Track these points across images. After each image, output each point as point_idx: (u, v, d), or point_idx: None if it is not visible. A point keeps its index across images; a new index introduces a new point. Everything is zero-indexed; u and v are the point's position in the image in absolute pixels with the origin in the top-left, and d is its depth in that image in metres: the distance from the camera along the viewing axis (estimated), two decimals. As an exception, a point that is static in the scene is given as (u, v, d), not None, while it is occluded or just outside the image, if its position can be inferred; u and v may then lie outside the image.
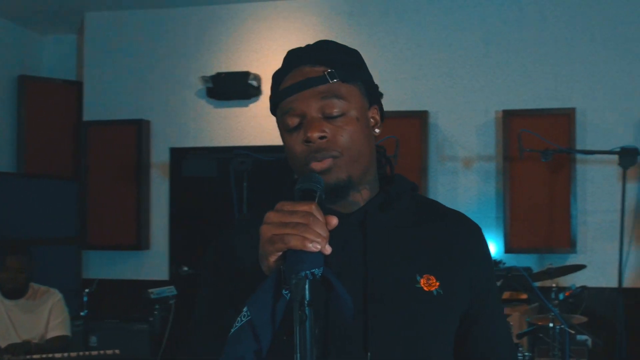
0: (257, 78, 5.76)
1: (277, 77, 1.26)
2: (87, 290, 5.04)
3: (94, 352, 3.19)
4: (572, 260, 5.13)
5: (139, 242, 5.90)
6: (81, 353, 3.21)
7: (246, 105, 5.85)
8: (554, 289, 4.41)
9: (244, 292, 1.02)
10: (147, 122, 5.96)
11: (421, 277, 1.18)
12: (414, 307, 1.16)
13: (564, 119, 5.31)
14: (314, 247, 0.93)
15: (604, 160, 5.27)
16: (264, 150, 4.84)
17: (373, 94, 1.26)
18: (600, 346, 4.55)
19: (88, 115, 6.04)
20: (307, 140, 1.15)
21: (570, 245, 5.26)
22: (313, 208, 0.97)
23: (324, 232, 0.96)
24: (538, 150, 4.54)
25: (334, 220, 0.99)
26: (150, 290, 4.29)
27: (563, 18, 5.50)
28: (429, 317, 1.17)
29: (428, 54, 5.59)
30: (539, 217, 5.21)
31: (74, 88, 6.21)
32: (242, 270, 1.11)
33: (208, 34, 5.97)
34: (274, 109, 1.25)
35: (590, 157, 5.28)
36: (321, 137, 1.14)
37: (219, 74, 5.77)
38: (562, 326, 3.76)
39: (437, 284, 1.18)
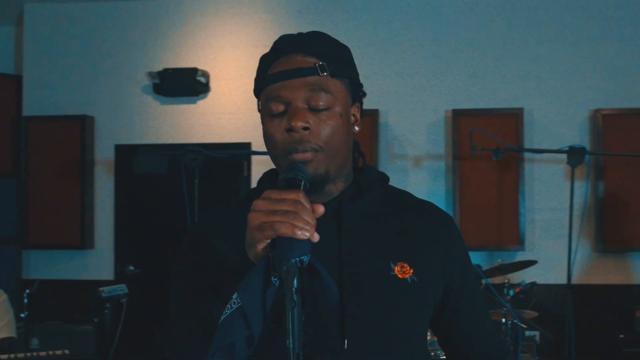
0: (205, 75, 5.72)
1: (266, 60, 1.25)
2: (27, 291, 5.00)
3: (42, 353, 3.08)
4: (521, 257, 5.22)
5: (83, 241, 5.80)
6: (29, 354, 3.09)
7: (194, 102, 5.81)
8: (506, 284, 4.54)
9: (221, 282, 1.04)
10: (92, 118, 5.85)
11: (395, 264, 1.20)
12: (389, 294, 1.18)
13: (512, 118, 5.40)
14: (303, 234, 0.95)
15: (551, 159, 5.41)
16: (213, 147, 4.79)
17: (357, 92, 1.28)
18: (551, 340, 4.68)
19: (28, 110, 5.92)
20: (290, 129, 1.15)
21: (519, 242, 5.36)
22: (301, 196, 0.98)
23: (312, 220, 0.97)
24: (489, 149, 4.59)
25: (321, 209, 1.01)
26: (101, 289, 4.30)
27: (512, 20, 5.59)
28: (404, 303, 1.19)
29: (378, 53, 5.63)
30: (488, 215, 5.30)
31: (13, 81, 6.06)
32: (218, 260, 1.13)
33: (154, 28, 5.90)
34: (257, 92, 1.26)
35: (537, 157, 5.39)
36: (304, 128, 1.15)
37: (166, 70, 5.71)
38: (515, 321, 3.84)
39: (411, 271, 1.20)
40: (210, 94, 5.81)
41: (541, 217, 5.51)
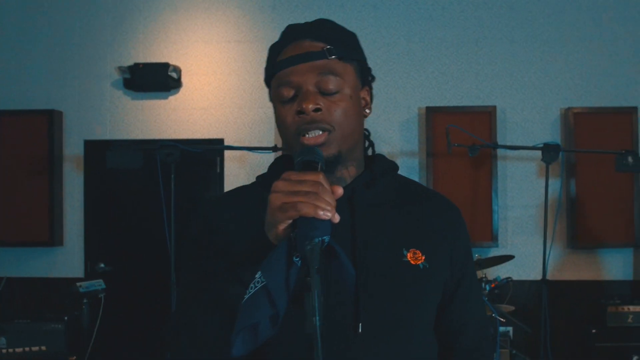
0: (176, 70, 5.72)
1: (275, 48, 1.28)
2: None
3: (19, 349, 3.17)
4: (494, 253, 5.31)
5: (52, 238, 5.77)
6: (4, 350, 3.20)
7: (166, 98, 5.81)
8: (483, 280, 4.65)
9: (237, 263, 1.06)
10: (60, 113, 5.82)
11: (407, 251, 1.24)
12: (402, 280, 1.21)
13: (485, 116, 5.49)
14: (325, 214, 0.96)
15: (524, 156, 5.51)
16: (185, 143, 4.84)
17: (366, 76, 1.31)
18: (529, 334, 4.76)
19: None
20: (301, 112, 1.18)
21: (492, 239, 5.46)
22: (321, 177, 1.00)
23: (333, 201, 0.99)
24: (465, 145, 4.66)
25: (340, 190, 1.02)
26: (78, 284, 4.31)
27: (484, 19, 5.68)
28: (416, 289, 1.23)
29: None
30: (462, 211, 5.37)
31: (-21, 76, 5.97)
32: (231, 242, 1.15)
33: (125, 22, 5.88)
34: (268, 80, 1.29)
35: (510, 154, 5.49)
36: (315, 110, 1.18)
37: (136, 65, 5.70)
38: (493, 315, 3.93)
39: (423, 257, 1.24)
40: (182, 90, 5.81)
41: (514, 214, 5.62)
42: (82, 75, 5.89)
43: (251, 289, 0.99)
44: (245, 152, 5.65)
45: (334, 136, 1.20)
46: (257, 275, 0.99)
